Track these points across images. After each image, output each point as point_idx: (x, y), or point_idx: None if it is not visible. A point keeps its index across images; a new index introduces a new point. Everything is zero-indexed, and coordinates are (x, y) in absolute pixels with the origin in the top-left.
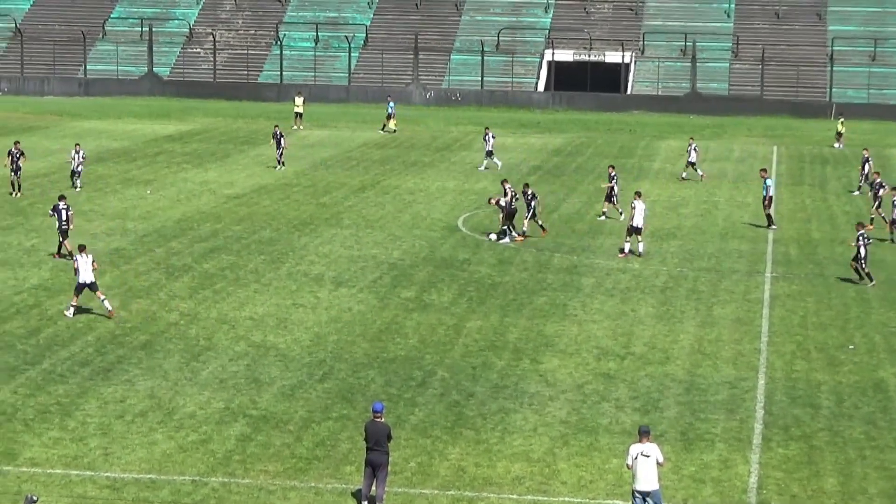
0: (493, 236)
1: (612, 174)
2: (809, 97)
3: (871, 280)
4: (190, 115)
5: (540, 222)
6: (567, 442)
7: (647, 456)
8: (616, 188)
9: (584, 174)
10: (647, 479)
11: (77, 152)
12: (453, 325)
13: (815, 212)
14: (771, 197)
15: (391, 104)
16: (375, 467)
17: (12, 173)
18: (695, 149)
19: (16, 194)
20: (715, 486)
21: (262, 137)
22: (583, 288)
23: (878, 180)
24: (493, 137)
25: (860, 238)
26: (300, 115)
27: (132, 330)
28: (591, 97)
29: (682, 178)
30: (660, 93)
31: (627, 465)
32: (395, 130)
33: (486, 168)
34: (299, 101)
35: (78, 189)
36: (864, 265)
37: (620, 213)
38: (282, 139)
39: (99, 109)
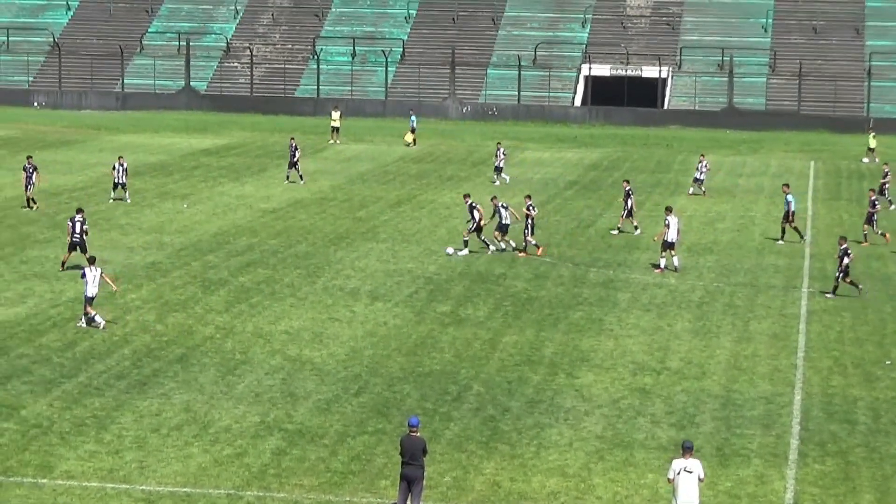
0: (463, 251)
1: (627, 189)
2: (847, 112)
3: (858, 287)
4: (227, 130)
5: (533, 241)
6: (603, 457)
7: (690, 472)
8: (630, 202)
9: (621, 189)
10: (688, 495)
11: (120, 164)
12: (489, 339)
13: (852, 227)
14: (794, 212)
15: (413, 118)
16: (411, 482)
17: (26, 190)
18: (706, 166)
19: (31, 208)
20: (751, 502)
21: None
22: (619, 303)
23: (874, 198)
24: (505, 154)
25: (842, 252)
26: (337, 129)
27: (168, 343)
28: (627, 112)
29: (690, 194)
30: (696, 107)
31: (669, 479)
32: (409, 144)
33: (497, 182)
34: (336, 115)
35: (128, 200)
36: (846, 278)
37: (636, 229)
38: (296, 152)
39: (136, 123)
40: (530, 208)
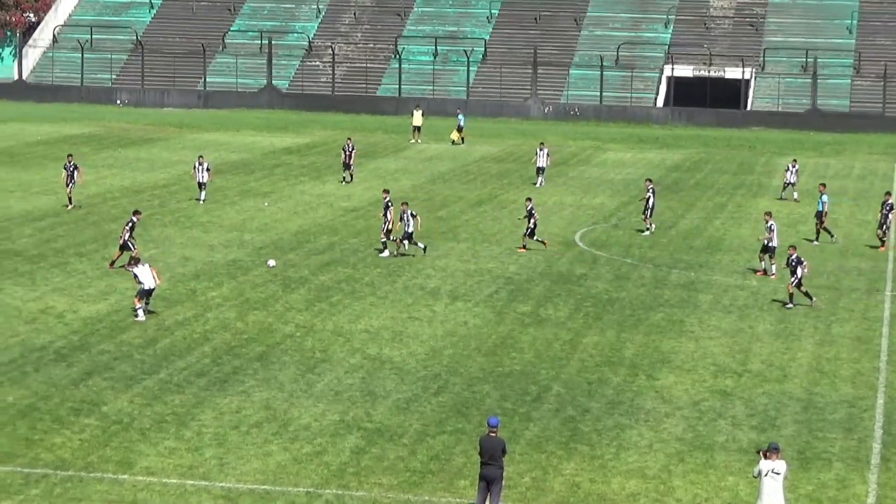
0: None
1: (650, 188)
2: None
3: (811, 298)
4: (308, 128)
5: (536, 238)
6: (683, 459)
7: (777, 473)
8: (651, 202)
9: (703, 190)
10: (774, 498)
11: (200, 164)
12: (569, 340)
13: None
14: (826, 213)
15: (461, 116)
16: (490, 482)
17: (67, 187)
18: (795, 171)
19: (70, 207)
20: None
21: (381, 150)
22: (700, 304)
23: (890, 201)
24: (548, 154)
25: (795, 261)
26: (419, 128)
27: (248, 341)
28: (710, 113)
29: (781, 199)
30: (780, 109)
31: (754, 475)
32: (460, 142)
33: (538, 184)
34: (418, 114)
35: (202, 201)
36: (800, 287)
37: (651, 227)
38: (352, 153)
39: (218, 122)
40: (532, 211)
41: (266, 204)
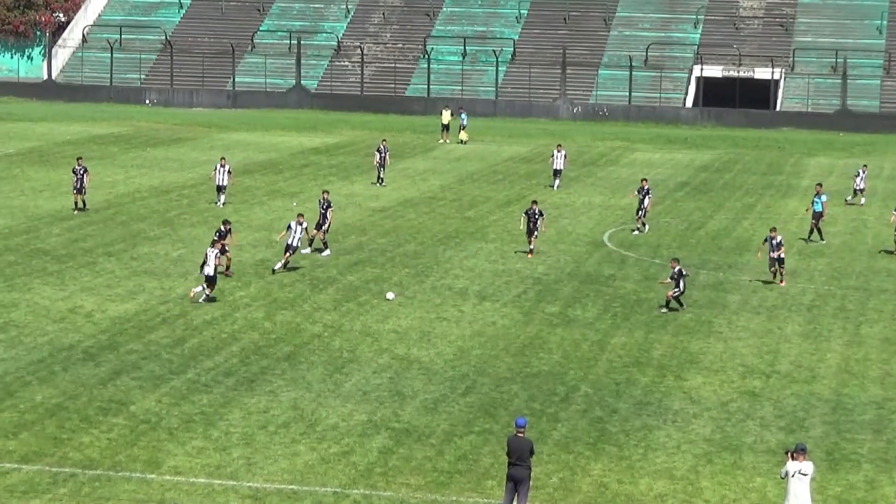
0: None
1: (646, 188)
2: None
3: (682, 305)
4: (337, 128)
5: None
6: (711, 460)
7: (805, 474)
8: (646, 202)
9: (732, 191)
10: (801, 499)
11: (222, 166)
12: (597, 340)
13: None
14: (820, 213)
15: (463, 115)
16: (517, 482)
17: (75, 191)
18: (865, 176)
19: (82, 209)
20: None
21: (410, 150)
22: (728, 305)
23: None
24: (566, 156)
25: (677, 273)
26: (447, 127)
27: (276, 341)
28: (739, 113)
29: (848, 203)
30: (809, 109)
31: (781, 476)
32: (464, 141)
33: (554, 187)
34: (447, 114)
35: (221, 205)
36: (679, 297)
37: (640, 228)
38: (386, 155)
39: (246, 121)
40: (539, 214)
41: (294, 204)
